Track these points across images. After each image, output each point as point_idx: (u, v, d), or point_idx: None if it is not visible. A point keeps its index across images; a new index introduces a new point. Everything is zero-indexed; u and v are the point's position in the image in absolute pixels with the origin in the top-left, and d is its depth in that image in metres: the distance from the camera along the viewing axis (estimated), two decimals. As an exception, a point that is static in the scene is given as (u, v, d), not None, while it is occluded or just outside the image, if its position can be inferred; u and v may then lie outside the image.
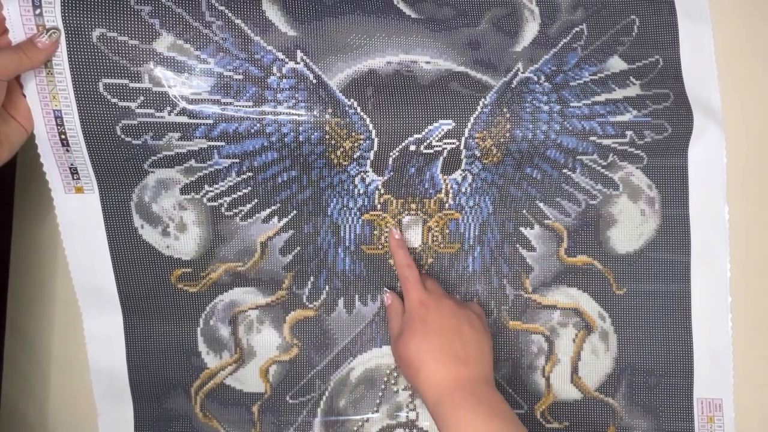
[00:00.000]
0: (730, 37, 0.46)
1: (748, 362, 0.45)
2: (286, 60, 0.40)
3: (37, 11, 0.36)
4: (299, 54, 0.41)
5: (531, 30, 0.44)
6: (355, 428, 0.45)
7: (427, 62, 0.42)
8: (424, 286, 0.41)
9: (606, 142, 0.43)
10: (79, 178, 0.40)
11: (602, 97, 0.43)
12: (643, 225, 0.45)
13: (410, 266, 0.42)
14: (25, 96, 0.38)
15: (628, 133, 0.43)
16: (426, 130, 0.41)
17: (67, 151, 0.39)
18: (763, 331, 0.46)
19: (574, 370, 0.45)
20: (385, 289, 0.44)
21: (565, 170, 0.44)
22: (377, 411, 0.45)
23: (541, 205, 0.45)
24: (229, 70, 0.39)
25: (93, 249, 0.42)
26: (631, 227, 0.45)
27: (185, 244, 0.43)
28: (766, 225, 0.47)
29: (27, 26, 0.36)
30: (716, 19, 0.45)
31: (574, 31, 0.44)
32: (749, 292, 0.46)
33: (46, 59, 0.36)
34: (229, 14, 0.39)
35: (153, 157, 0.40)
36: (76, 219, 0.41)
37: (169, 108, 0.39)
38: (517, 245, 0.45)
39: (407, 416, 0.45)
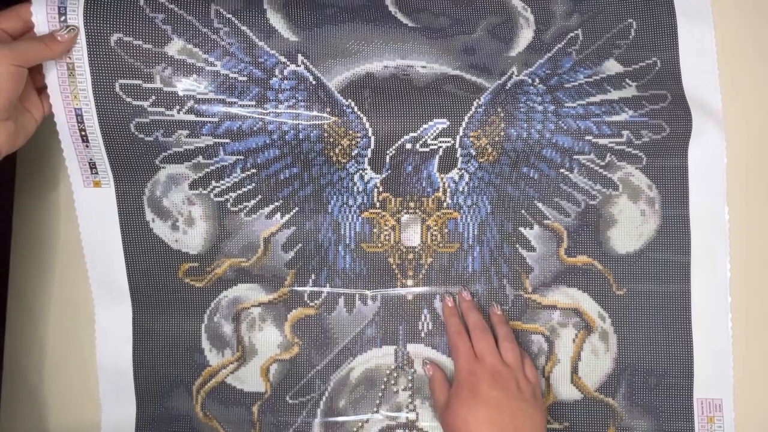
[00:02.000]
0: (731, 38, 0.46)
1: (748, 362, 0.45)
2: (288, 63, 0.43)
3: (62, 18, 0.39)
4: (300, 57, 0.43)
5: (526, 36, 0.45)
6: (355, 429, 0.45)
7: (423, 66, 0.44)
8: (475, 353, 0.41)
9: (602, 141, 0.44)
10: (97, 173, 0.43)
11: (597, 98, 0.44)
12: (643, 225, 0.45)
13: (460, 333, 0.42)
14: (36, 91, 0.40)
15: (625, 132, 0.44)
16: (421, 128, 0.42)
17: (87, 146, 0.42)
18: (763, 331, 0.45)
19: (574, 370, 0.45)
20: (426, 360, 0.45)
21: (562, 170, 0.45)
22: (377, 411, 0.45)
23: (540, 205, 0.45)
24: (234, 72, 0.42)
25: (107, 241, 0.44)
26: (631, 227, 0.45)
27: (193, 238, 0.45)
28: (766, 225, 0.46)
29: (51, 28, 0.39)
30: (717, 20, 0.45)
31: (569, 37, 0.45)
32: (749, 292, 0.45)
33: (65, 51, 0.39)
34: (236, 21, 0.42)
35: (164, 153, 0.43)
36: (93, 212, 0.44)
37: (178, 107, 0.41)
38: (517, 245, 0.45)
39: (407, 417, 0.45)
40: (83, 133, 0.41)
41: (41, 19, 0.39)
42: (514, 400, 0.38)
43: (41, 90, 0.41)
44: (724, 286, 0.45)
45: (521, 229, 0.45)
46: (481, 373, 0.39)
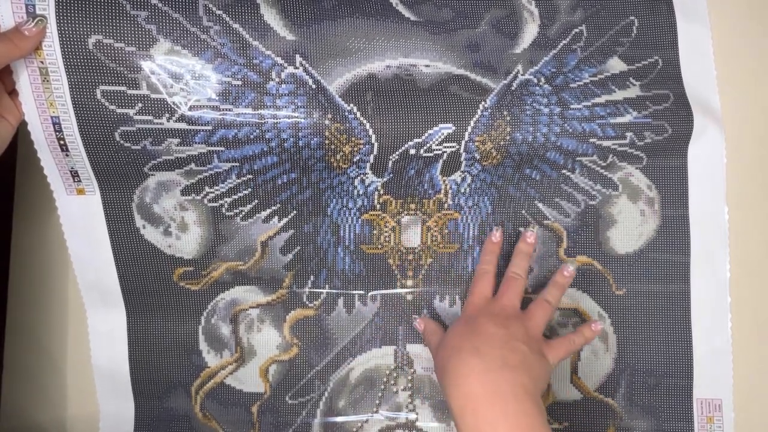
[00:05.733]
0: (729, 38, 0.45)
1: (748, 362, 0.46)
2: (285, 65, 0.40)
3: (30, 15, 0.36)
4: (298, 58, 0.41)
5: (530, 31, 0.43)
6: (354, 429, 0.45)
7: (427, 65, 0.42)
8: (491, 294, 0.40)
9: (606, 143, 0.43)
10: (80, 181, 0.41)
11: (602, 99, 0.43)
12: (643, 225, 0.45)
13: (487, 273, 0.41)
14: (8, 95, 0.38)
15: (628, 134, 0.43)
16: (426, 134, 0.41)
17: (67, 155, 0.39)
18: (763, 331, 0.46)
19: (574, 370, 0.45)
20: (414, 315, 0.44)
21: (564, 171, 0.44)
22: (377, 411, 0.45)
23: (540, 205, 0.45)
24: (228, 76, 0.39)
25: (96, 248, 0.42)
26: (630, 228, 0.45)
27: (187, 243, 0.43)
28: (765, 225, 0.46)
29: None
30: (715, 20, 0.45)
31: (573, 33, 0.44)
32: (749, 292, 0.46)
33: (34, 47, 0.36)
34: (227, 18, 0.39)
35: (153, 161, 0.41)
36: (78, 220, 0.42)
37: (167, 115, 0.39)
38: (517, 245, 0.45)
39: (407, 417, 0.45)
40: (62, 142, 0.39)
41: (6, 16, 0.35)
42: (514, 340, 0.35)
43: (13, 93, 0.38)
44: (724, 286, 0.45)
45: (521, 229, 0.45)
46: (486, 309, 0.38)
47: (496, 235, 0.43)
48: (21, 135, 0.40)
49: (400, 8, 0.42)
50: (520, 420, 0.33)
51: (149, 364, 0.44)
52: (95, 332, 0.44)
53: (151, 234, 0.43)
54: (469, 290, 0.42)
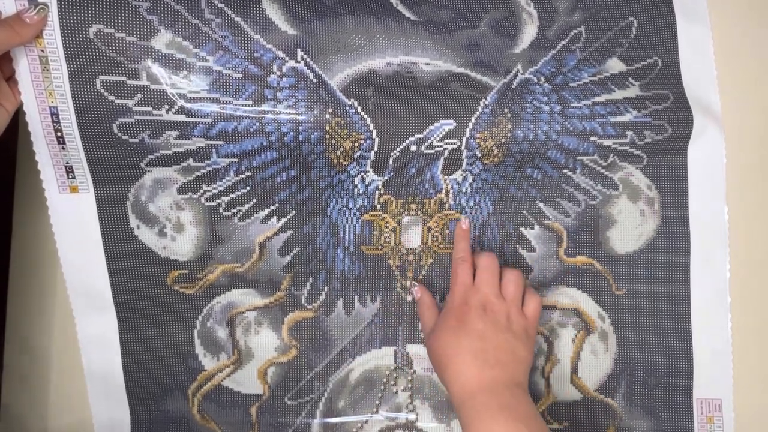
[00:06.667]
0: (730, 38, 0.46)
1: (748, 362, 0.46)
2: (286, 59, 0.40)
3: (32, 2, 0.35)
4: (299, 53, 0.40)
5: (529, 32, 0.44)
6: (354, 429, 0.45)
7: (427, 63, 0.42)
8: (473, 282, 0.41)
9: (606, 142, 0.43)
10: (74, 177, 0.40)
11: (602, 98, 0.43)
12: (643, 225, 0.45)
13: (464, 261, 0.42)
14: (5, 81, 0.37)
15: (629, 133, 0.44)
16: (427, 130, 0.41)
17: (63, 148, 0.39)
18: (763, 331, 0.46)
19: (574, 370, 0.45)
20: (414, 282, 0.44)
21: (565, 170, 0.44)
22: (376, 412, 0.45)
23: (541, 205, 0.45)
24: (229, 69, 0.39)
25: (87, 250, 0.41)
26: (630, 228, 0.45)
27: (182, 244, 0.42)
28: (765, 225, 0.47)
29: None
30: (715, 20, 0.45)
31: (572, 34, 0.44)
32: (749, 292, 0.46)
33: (35, 35, 0.36)
34: (229, 12, 0.39)
35: (150, 156, 0.40)
36: (70, 219, 0.41)
37: (167, 106, 0.38)
38: (517, 246, 0.45)
39: (407, 417, 0.45)
40: (59, 133, 0.38)
41: (8, 3, 0.35)
42: (501, 332, 0.38)
43: (11, 79, 0.37)
44: (724, 286, 0.45)
45: (522, 229, 0.45)
46: (472, 303, 0.39)
47: (465, 222, 0.44)
48: (22, 133, 0.39)
49: (401, 8, 0.42)
50: (513, 409, 0.36)
51: (143, 369, 0.43)
52: (86, 337, 0.43)
53: (146, 235, 0.42)
54: (450, 280, 0.42)
